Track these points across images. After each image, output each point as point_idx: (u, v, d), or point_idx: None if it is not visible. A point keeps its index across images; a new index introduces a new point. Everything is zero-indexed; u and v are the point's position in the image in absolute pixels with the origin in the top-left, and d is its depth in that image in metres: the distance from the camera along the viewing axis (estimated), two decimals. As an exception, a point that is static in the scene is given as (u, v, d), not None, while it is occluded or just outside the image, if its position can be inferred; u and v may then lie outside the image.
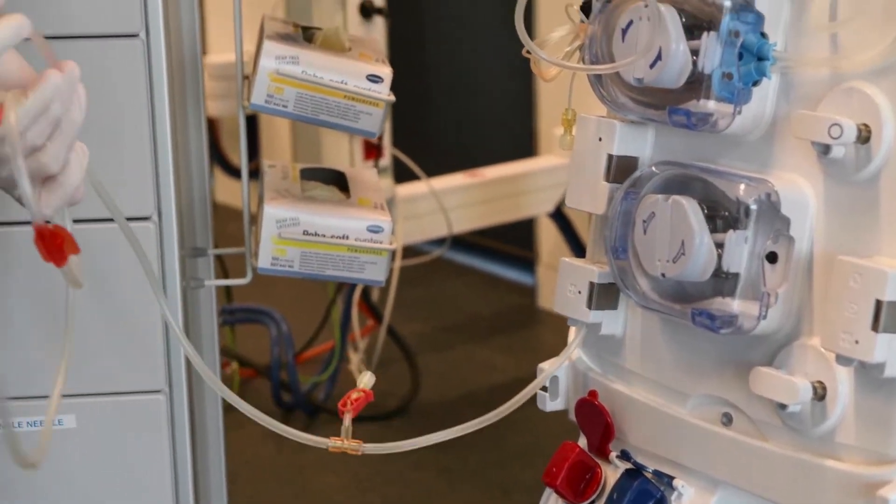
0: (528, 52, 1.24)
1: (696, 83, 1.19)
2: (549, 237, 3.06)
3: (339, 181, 1.69)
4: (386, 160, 2.69)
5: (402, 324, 2.75)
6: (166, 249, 1.45)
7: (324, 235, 1.54)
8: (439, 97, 3.47)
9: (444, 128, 3.47)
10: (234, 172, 3.38)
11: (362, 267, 1.56)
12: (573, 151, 1.30)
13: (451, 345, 2.86)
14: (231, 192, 3.37)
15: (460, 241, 3.17)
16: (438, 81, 3.48)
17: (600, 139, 1.28)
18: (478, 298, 3.15)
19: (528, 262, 3.23)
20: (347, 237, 1.55)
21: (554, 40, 1.27)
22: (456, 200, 2.80)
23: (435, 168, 2.83)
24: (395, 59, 2.68)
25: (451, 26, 3.48)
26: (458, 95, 3.47)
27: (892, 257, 1.11)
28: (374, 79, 1.54)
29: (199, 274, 1.64)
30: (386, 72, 1.54)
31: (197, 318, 1.63)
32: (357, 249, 1.56)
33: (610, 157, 1.27)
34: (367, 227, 1.56)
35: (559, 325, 2.83)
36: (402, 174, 2.75)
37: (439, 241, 2.82)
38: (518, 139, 3.21)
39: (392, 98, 1.53)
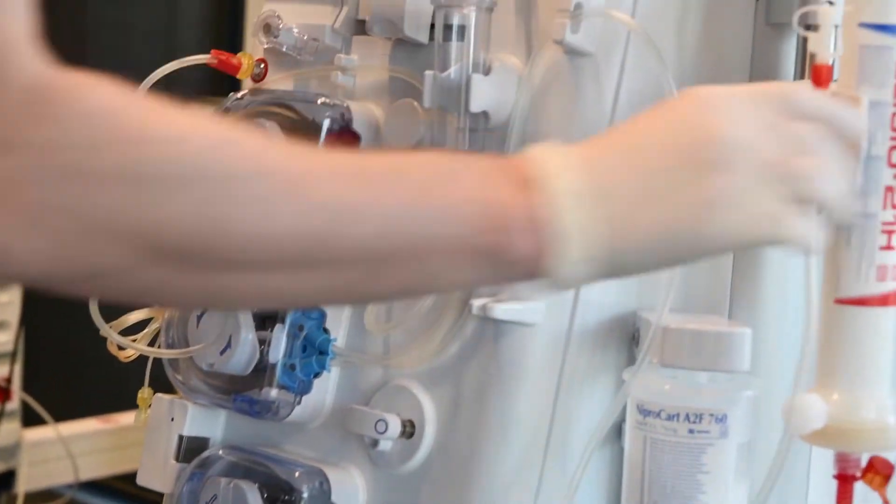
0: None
1: (263, 372, 1.25)
2: (185, 484, 3.05)
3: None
4: (14, 403, 2.65)
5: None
6: None
7: None
8: (77, 338, 3.45)
9: (80, 371, 3.44)
10: None
11: None
12: (146, 429, 1.33)
13: None
14: None
15: (95, 485, 3.11)
16: (76, 320, 3.46)
17: (172, 419, 1.32)
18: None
19: (163, 507, 3.20)
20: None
21: (131, 322, 1.32)
22: (88, 446, 2.77)
23: (69, 412, 2.81)
24: (34, 307, 2.69)
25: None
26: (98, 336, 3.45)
27: (428, 551, 1.18)
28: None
29: None
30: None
31: None
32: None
33: (181, 437, 1.31)
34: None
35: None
36: (33, 418, 2.71)
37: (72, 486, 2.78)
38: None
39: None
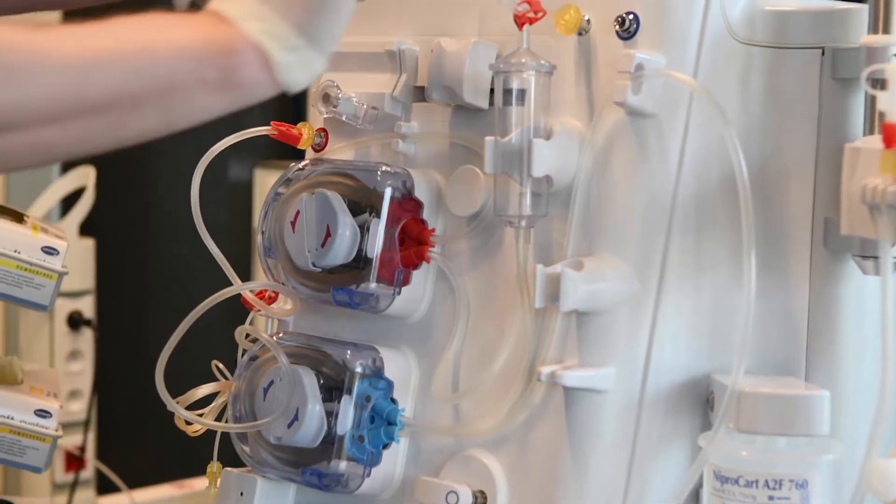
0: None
1: (331, 444, 1.23)
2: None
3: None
4: (88, 472, 2.65)
5: None
6: None
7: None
8: (149, 405, 3.46)
9: (153, 438, 3.45)
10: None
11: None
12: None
13: None
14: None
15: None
16: (147, 388, 3.47)
17: (242, 493, 1.30)
18: None
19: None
20: None
21: (198, 396, 1.31)
22: (163, 512, 2.77)
23: (143, 479, 2.81)
24: (106, 376, 2.70)
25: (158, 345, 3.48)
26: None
27: None
28: (42, 414, 1.54)
29: None
30: (54, 406, 1.55)
31: None
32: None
33: (251, 512, 1.30)
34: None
35: None
36: (107, 486, 2.71)
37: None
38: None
39: (59, 434, 1.53)
